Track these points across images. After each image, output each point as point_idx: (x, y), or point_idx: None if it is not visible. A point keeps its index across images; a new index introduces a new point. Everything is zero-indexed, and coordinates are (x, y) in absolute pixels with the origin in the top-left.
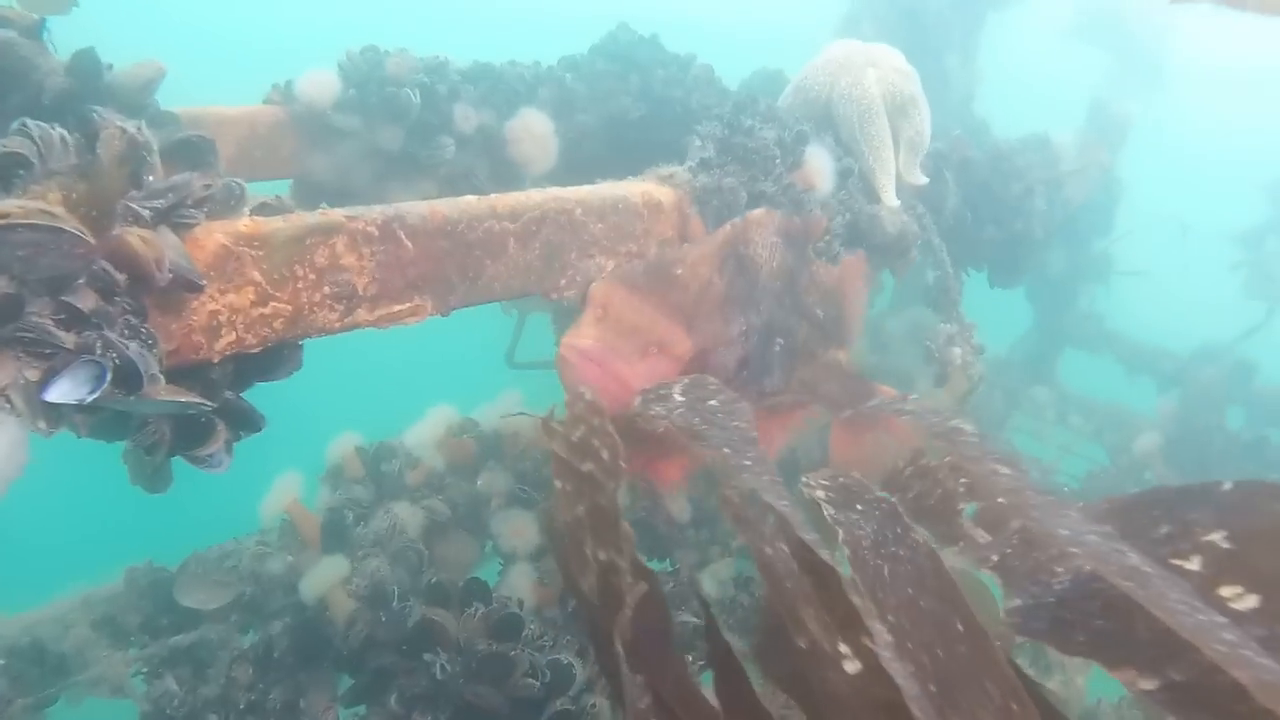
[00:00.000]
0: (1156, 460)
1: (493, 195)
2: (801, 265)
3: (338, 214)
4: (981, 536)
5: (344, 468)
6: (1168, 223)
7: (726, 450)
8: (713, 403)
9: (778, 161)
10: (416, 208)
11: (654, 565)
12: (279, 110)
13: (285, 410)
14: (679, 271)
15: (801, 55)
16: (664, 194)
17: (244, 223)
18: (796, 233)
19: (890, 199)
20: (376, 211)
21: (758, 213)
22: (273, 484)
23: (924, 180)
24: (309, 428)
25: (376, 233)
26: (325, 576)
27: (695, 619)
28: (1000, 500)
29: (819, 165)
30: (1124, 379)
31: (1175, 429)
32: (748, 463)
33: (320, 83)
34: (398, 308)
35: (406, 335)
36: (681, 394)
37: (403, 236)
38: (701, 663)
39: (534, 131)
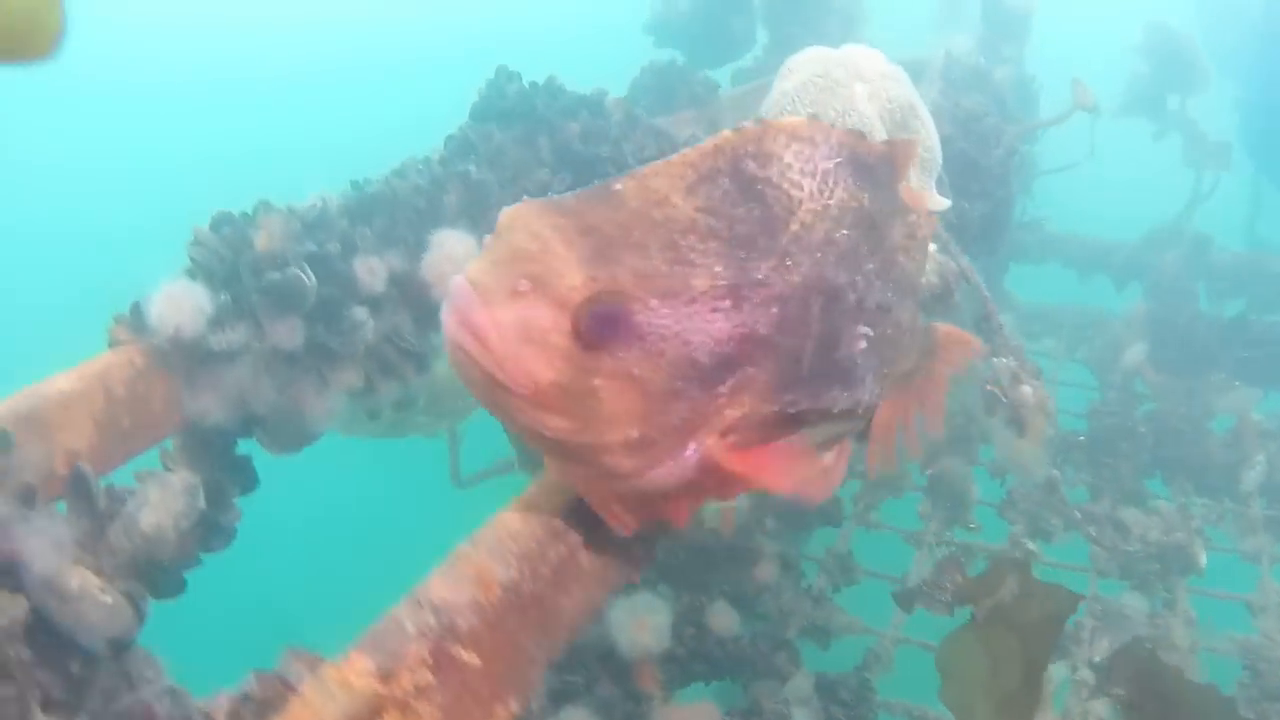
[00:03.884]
0: (1147, 370)
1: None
2: (890, 211)
3: (365, 681)
4: None
5: None
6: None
7: None
8: None
9: None
10: (462, 596)
11: (712, 690)
12: (132, 352)
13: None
14: (618, 186)
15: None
16: None
17: None
18: (874, 160)
19: None
20: (414, 641)
21: (791, 120)
22: None
23: (945, 204)
24: None
25: (431, 678)
26: None
27: None
28: None
29: None
30: (1078, 283)
31: (1154, 330)
32: None
33: (182, 302)
34: None
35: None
36: None
37: (462, 653)
38: None
39: (457, 258)
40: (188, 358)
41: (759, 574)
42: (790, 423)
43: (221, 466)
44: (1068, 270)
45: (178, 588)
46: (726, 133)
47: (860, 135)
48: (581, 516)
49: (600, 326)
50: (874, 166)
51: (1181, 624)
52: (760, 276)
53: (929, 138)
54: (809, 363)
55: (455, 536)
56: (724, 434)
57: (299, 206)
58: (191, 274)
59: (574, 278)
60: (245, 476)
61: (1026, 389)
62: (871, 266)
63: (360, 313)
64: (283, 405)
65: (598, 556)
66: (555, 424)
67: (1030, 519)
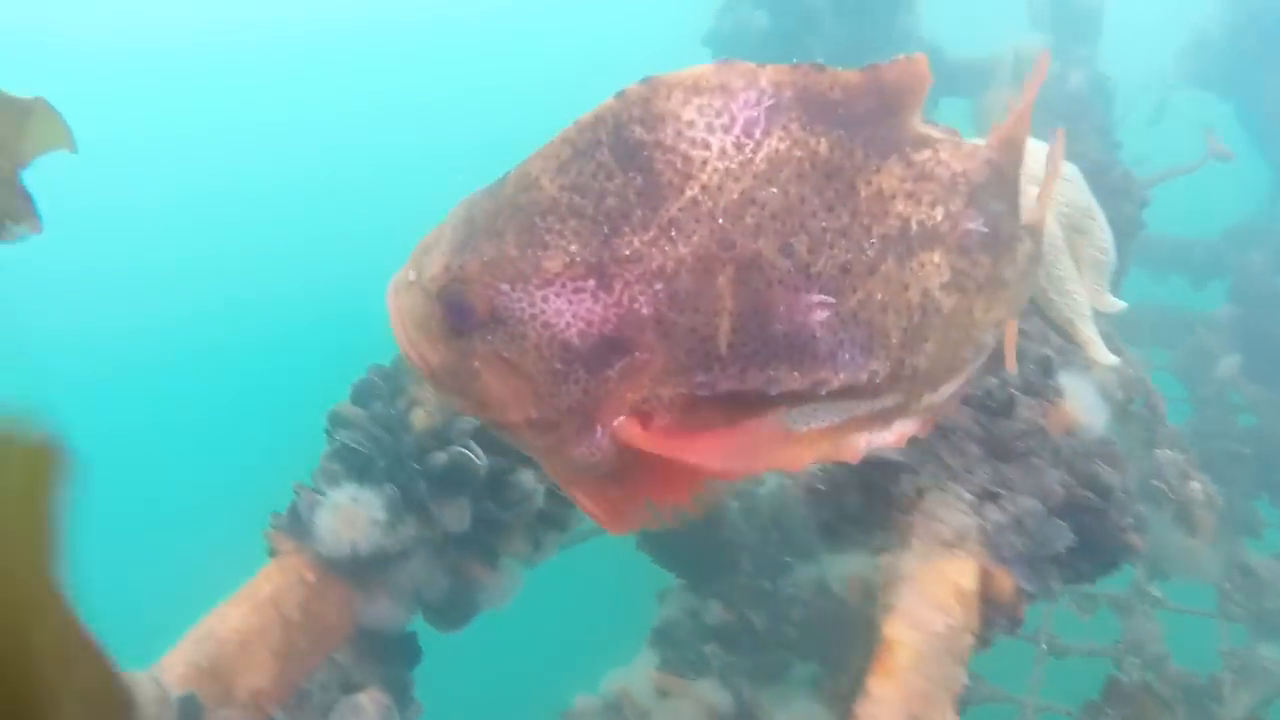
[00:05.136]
0: (1243, 383)
1: None
2: (875, 151)
3: None
4: None
5: None
6: (1149, 99)
7: None
8: None
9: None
10: None
11: None
12: (300, 566)
13: None
14: (510, 173)
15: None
16: (966, 573)
17: None
18: (842, 94)
19: (1104, 355)
20: None
21: (695, 69)
22: None
23: (1120, 306)
24: None
25: None
26: None
27: None
28: None
29: (1083, 399)
30: (1153, 283)
31: (1245, 338)
32: None
33: (355, 516)
34: None
35: None
36: None
37: None
38: None
39: None
40: (362, 565)
41: None
42: (725, 403)
43: (396, 659)
44: (1141, 270)
45: None
46: (610, 99)
47: (818, 67)
48: None
49: (454, 313)
50: (843, 103)
51: None
52: (628, 253)
53: (1104, 239)
54: (728, 340)
55: (567, 595)
56: (643, 417)
57: None
58: (343, 458)
59: (435, 268)
60: (413, 654)
61: (1195, 484)
62: (827, 224)
63: (528, 479)
64: (454, 589)
65: None
66: (457, 404)
67: (1147, 560)
